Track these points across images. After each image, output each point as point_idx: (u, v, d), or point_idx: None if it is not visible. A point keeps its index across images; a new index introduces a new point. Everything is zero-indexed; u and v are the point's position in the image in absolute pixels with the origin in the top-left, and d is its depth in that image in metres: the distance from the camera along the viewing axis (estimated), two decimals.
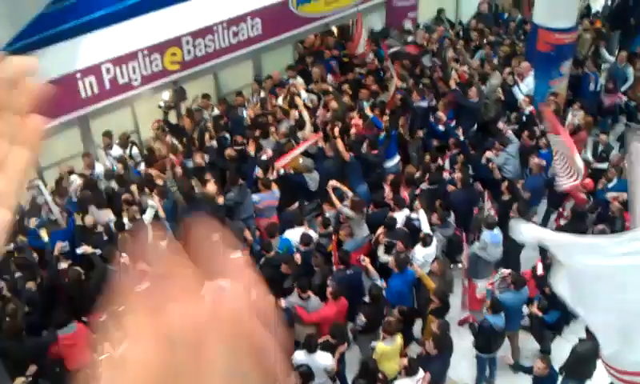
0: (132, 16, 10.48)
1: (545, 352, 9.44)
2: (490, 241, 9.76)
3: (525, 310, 9.59)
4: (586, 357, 8.30)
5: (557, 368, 8.62)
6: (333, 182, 10.64)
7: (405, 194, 10.75)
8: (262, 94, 13.80)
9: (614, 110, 14.03)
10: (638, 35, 15.94)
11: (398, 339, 8.57)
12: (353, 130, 11.98)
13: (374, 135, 11.78)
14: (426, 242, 9.69)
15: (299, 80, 13.98)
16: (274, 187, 10.80)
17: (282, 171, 11.13)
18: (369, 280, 9.62)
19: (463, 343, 9.47)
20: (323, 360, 8.21)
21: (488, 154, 11.43)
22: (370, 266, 9.56)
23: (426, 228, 10.03)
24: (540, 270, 9.57)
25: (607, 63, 14.86)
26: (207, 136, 12.12)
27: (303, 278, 9.11)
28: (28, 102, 0.95)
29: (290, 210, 11.02)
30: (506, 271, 9.41)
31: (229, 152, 11.55)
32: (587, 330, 8.21)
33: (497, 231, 9.80)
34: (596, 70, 14.03)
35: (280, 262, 9.39)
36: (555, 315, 9.25)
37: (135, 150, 12.52)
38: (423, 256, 9.63)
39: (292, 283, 9.02)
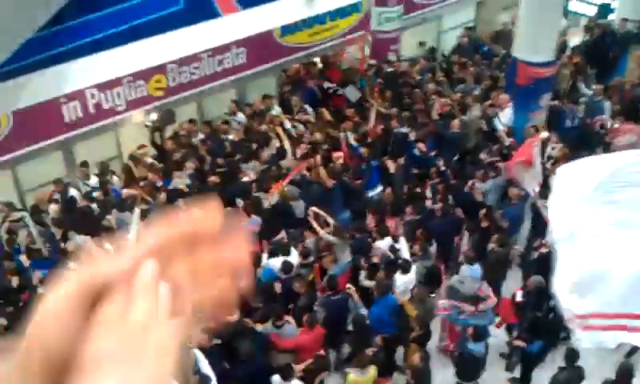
0: (119, 44, 10.57)
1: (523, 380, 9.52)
2: (470, 275, 9.85)
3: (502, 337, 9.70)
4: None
5: None
6: (313, 209, 10.72)
7: (391, 222, 10.85)
8: (241, 116, 13.88)
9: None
10: (614, 70, 16.31)
11: (371, 370, 8.57)
12: (337, 159, 12.08)
13: (357, 164, 11.90)
14: (406, 270, 9.74)
15: (277, 109, 14.06)
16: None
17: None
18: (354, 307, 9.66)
19: (444, 372, 9.55)
20: None
21: (475, 181, 11.58)
22: (355, 294, 9.61)
23: (406, 255, 10.12)
24: (519, 298, 9.67)
25: (584, 97, 15.16)
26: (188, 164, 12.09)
27: (277, 305, 9.14)
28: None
29: (277, 240, 11.04)
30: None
31: (213, 179, 11.58)
32: (567, 358, 8.37)
33: (476, 266, 9.88)
34: (573, 105, 14.28)
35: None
36: (538, 345, 9.34)
37: (115, 178, 12.49)
38: (403, 283, 9.67)
39: (263, 314, 9.03)
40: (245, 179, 11.54)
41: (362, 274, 10.04)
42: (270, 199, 11.01)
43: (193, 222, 0.85)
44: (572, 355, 8.52)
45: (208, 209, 0.86)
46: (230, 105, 14.13)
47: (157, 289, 0.78)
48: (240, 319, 8.59)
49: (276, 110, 13.98)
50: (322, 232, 10.37)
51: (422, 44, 17.31)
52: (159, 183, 11.55)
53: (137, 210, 10.28)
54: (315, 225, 10.46)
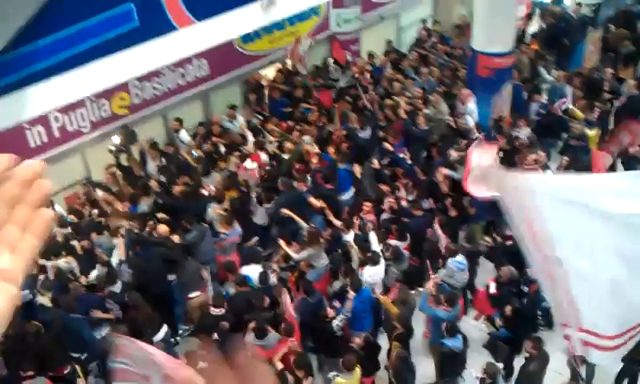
0: (78, 65, 10.54)
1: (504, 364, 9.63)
2: (456, 268, 9.99)
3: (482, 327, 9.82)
4: (534, 375, 8.59)
5: None
6: (285, 211, 10.79)
7: (371, 217, 10.97)
8: (184, 134, 13.70)
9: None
10: (573, 55, 16.58)
11: (357, 371, 8.63)
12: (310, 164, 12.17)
13: (328, 169, 11.97)
14: (374, 261, 9.84)
15: (240, 119, 14.06)
16: (236, 224, 10.86)
17: None
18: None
19: (427, 367, 9.68)
20: None
21: (446, 170, 11.71)
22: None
23: (375, 247, 10.20)
24: (493, 289, 9.82)
25: (546, 83, 15.41)
26: (153, 182, 12.07)
27: (258, 316, 9.17)
28: (39, 197, 1.13)
29: (249, 245, 11.09)
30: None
31: (178, 188, 11.57)
32: (533, 347, 8.51)
33: (460, 257, 10.01)
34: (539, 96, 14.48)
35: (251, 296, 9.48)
36: (505, 333, 9.50)
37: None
38: (370, 275, 9.76)
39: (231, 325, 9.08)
40: (205, 192, 11.55)
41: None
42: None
43: None
44: (540, 343, 8.72)
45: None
46: (173, 123, 13.88)
47: None
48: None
49: (239, 120, 13.98)
50: (292, 253, 10.43)
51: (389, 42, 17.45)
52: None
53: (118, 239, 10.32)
54: (285, 247, 10.51)
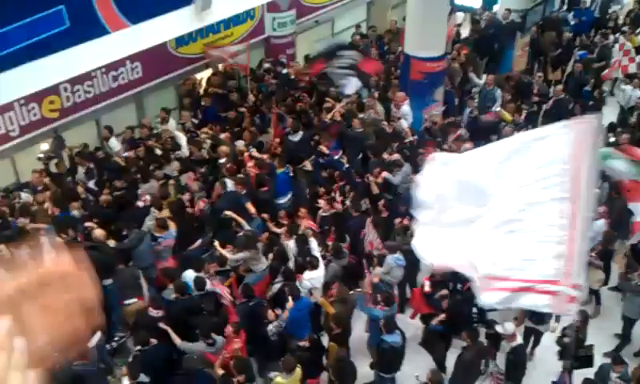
0: (7, 67, 10.25)
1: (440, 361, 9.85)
2: (395, 264, 10.12)
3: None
4: (470, 363, 8.83)
5: None
6: (229, 213, 10.78)
7: (309, 223, 11.04)
8: (114, 141, 13.47)
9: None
10: (502, 59, 17.04)
11: (297, 371, 8.62)
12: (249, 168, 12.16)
13: (263, 173, 11.98)
14: (313, 265, 9.90)
15: (171, 123, 13.92)
16: (172, 227, 10.72)
17: None
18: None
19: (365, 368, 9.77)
20: None
21: (385, 174, 11.88)
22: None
23: (315, 253, 10.27)
24: (427, 287, 10.02)
25: (477, 87, 15.81)
26: (79, 188, 11.83)
27: (203, 323, 9.14)
28: None
29: (192, 249, 11.01)
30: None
31: (105, 198, 11.38)
32: (469, 336, 8.78)
33: (399, 254, 10.15)
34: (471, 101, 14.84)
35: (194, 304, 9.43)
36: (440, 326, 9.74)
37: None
38: (309, 279, 9.82)
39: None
40: (140, 204, 11.37)
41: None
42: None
43: (42, 267, 0.95)
44: (474, 334, 9.01)
45: (59, 253, 0.96)
46: (103, 131, 13.66)
47: (11, 344, 0.87)
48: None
49: (171, 124, 13.85)
50: (228, 254, 10.41)
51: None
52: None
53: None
54: (220, 248, 10.49)
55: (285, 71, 15.86)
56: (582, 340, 9.29)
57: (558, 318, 9.60)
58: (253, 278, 10.21)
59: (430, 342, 10.04)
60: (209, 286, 9.78)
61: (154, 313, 9.21)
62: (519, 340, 9.12)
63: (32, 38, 10.44)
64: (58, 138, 13.07)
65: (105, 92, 13.79)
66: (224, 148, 12.66)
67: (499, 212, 6.00)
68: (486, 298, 6.11)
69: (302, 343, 9.07)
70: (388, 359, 9.26)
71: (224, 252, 10.40)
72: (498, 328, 9.00)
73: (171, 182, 11.91)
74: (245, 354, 9.25)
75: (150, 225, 10.79)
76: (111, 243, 10.29)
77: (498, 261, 5.96)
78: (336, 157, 12.70)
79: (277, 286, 10.08)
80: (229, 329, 9.03)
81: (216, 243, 10.58)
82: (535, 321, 9.79)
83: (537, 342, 10.16)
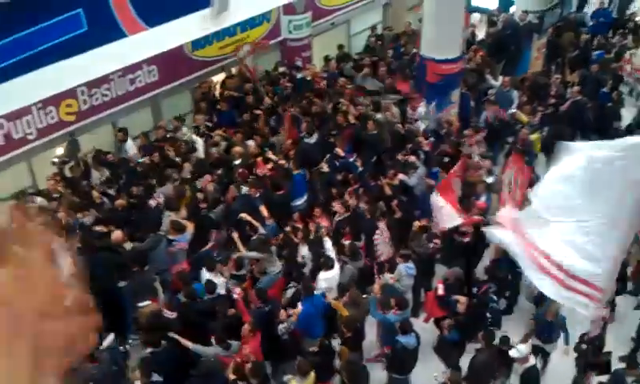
0: (25, 71, 10.31)
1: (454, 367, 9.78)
2: (405, 272, 10.11)
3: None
4: (483, 365, 8.78)
5: None
6: (244, 215, 10.79)
7: (325, 222, 11.02)
8: (130, 144, 13.52)
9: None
10: (519, 61, 16.95)
11: (311, 375, 8.60)
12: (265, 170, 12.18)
13: (279, 176, 11.98)
14: (328, 266, 9.90)
15: (184, 130, 13.93)
16: (188, 229, 10.70)
17: None
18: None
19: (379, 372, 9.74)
20: None
21: (401, 176, 11.85)
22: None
23: (330, 253, 10.26)
24: (440, 291, 9.97)
25: (493, 89, 15.71)
26: (95, 192, 11.86)
27: (217, 327, 9.15)
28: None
29: (204, 251, 11.00)
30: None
31: (120, 202, 11.41)
32: (484, 338, 8.80)
33: (411, 264, 10.14)
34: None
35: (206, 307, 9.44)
36: (456, 334, 9.65)
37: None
38: (324, 279, 9.83)
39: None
40: (152, 203, 11.41)
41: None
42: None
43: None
44: (490, 336, 8.96)
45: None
46: (118, 134, 13.70)
47: None
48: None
49: (184, 131, 13.89)
50: (243, 250, 10.40)
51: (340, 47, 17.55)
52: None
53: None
54: (239, 244, 10.48)
55: (300, 75, 15.84)
56: (600, 347, 9.22)
57: (567, 340, 9.61)
58: (266, 281, 10.20)
59: (443, 350, 9.99)
60: (221, 287, 9.81)
61: (168, 314, 9.20)
62: (532, 361, 9.06)
63: (50, 42, 10.51)
64: (73, 142, 13.12)
65: (121, 95, 13.84)
66: (238, 149, 12.67)
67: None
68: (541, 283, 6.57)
69: (311, 348, 9.06)
70: (401, 360, 9.23)
71: (240, 245, 10.43)
72: (513, 353, 8.92)
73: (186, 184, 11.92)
74: (260, 357, 9.21)
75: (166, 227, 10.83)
76: (128, 246, 10.30)
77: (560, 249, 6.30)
78: (351, 159, 12.67)
79: (291, 291, 10.06)
80: (246, 328, 9.01)
81: (235, 235, 10.57)
82: (543, 339, 9.69)
83: (545, 363, 9.97)
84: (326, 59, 16.75)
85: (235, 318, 9.47)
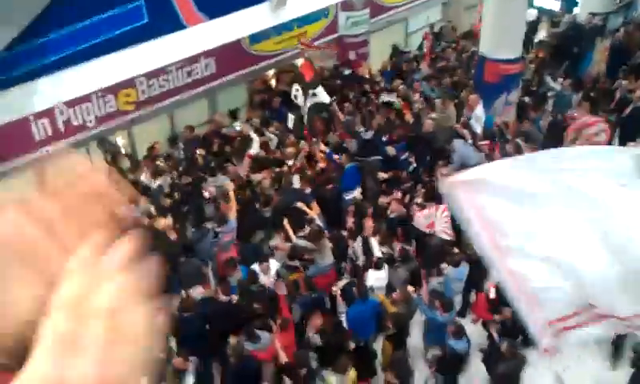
0: (86, 59, 10.52)
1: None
2: (455, 277, 9.97)
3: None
4: (507, 374, 8.56)
5: None
6: (299, 204, 10.85)
7: (369, 223, 10.93)
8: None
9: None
10: (582, 63, 16.50)
11: (351, 373, 8.48)
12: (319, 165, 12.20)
13: (332, 170, 11.95)
14: (378, 266, 9.83)
15: (237, 125, 14.07)
16: (232, 216, 10.77)
17: None
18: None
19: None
20: None
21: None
22: (340, 298, 9.69)
23: (377, 252, 10.19)
24: (493, 294, 9.76)
25: (552, 91, 15.34)
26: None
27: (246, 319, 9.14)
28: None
29: (252, 243, 11.04)
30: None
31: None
32: (508, 347, 8.55)
33: (462, 268, 9.96)
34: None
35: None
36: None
37: None
38: (375, 279, 9.75)
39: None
40: (206, 194, 11.54)
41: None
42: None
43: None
44: (515, 347, 8.67)
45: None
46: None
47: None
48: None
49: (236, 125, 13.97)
50: (294, 237, 10.41)
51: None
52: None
53: None
54: (290, 232, 10.49)
55: (347, 72, 15.76)
56: None
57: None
58: (313, 270, 10.15)
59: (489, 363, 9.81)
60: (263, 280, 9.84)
61: (224, 298, 9.27)
62: None
63: (112, 32, 10.71)
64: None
65: (179, 87, 14.00)
66: (291, 143, 12.71)
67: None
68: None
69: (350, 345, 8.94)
70: (449, 363, 9.07)
71: (290, 232, 10.45)
72: None
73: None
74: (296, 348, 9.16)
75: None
76: (172, 236, 10.41)
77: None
78: (402, 157, 12.55)
79: (342, 283, 10.01)
80: (279, 322, 9.02)
81: (285, 221, 10.59)
82: None
83: None
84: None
85: (272, 311, 9.46)
